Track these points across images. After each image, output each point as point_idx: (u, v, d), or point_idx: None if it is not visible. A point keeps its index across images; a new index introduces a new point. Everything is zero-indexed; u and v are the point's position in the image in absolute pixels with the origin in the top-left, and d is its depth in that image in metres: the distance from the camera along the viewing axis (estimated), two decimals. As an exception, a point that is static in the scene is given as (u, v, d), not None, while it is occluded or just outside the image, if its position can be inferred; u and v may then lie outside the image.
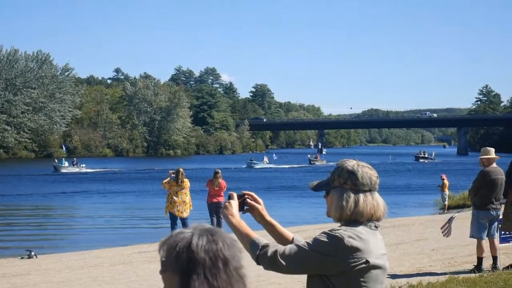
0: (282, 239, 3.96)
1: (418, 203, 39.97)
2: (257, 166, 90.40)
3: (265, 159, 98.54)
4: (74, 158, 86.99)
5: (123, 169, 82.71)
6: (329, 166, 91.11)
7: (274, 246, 3.67)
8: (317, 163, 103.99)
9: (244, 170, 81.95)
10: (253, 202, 4.02)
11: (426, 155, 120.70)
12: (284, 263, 3.59)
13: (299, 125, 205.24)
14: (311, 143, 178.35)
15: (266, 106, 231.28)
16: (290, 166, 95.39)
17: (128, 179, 65.29)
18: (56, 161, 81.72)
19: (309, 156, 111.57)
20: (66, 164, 79.78)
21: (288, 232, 4.03)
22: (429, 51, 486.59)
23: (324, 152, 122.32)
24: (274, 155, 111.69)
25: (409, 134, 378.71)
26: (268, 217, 4.04)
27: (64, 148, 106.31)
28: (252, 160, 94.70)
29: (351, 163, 3.79)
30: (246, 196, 4.03)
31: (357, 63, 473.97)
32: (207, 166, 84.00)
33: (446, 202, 32.54)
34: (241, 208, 3.99)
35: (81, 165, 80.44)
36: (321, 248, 3.56)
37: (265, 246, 3.66)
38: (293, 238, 3.94)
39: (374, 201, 3.72)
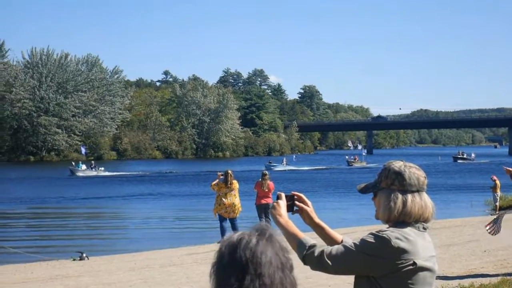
0: (331, 241, 3.95)
1: (468, 203, 39.54)
2: (276, 169, 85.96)
3: (285, 161, 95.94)
4: (92, 161, 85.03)
5: (146, 171, 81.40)
6: (368, 168, 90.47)
7: (321, 246, 3.67)
8: (355, 164, 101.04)
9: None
10: (301, 204, 4.02)
11: (464, 156, 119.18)
12: (330, 263, 3.59)
13: (348, 126, 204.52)
14: (349, 144, 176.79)
15: (314, 107, 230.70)
16: (310, 168, 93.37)
17: (150, 181, 65.72)
18: (74, 164, 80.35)
19: (346, 157, 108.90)
20: (84, 167, 78.30)
21: (337, 234, 4.03)
22: (479, 50, 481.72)
23: (363, 153, 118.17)
24: (294, 157, 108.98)
25: (459, 134, 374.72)
26: (316, 219, 4.03)
27: (83, 150, 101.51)
28: (270, 163, 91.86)
29: (398, 164, 3.77)
30: (296, 198, 4.03)
31: (406, 63, 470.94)
32: (246, 168, 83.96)
33: (498, 203, 32.19)
34: (290, 209, 3.99)
35: (100, 168, 78.78)
36: (367, 249, 3.55)
37: (312, 246, 3.66)
38: (342, 240, 3.93)
39: (422, 202, 3.69)
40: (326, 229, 4.03)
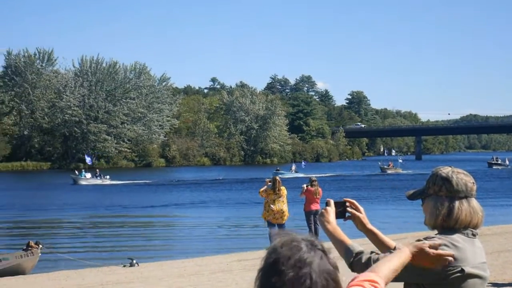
0: (384, 248, 3.94)
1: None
2: (284, 176, 79.36)
3: (293, 167, 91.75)
4: (97, 170, 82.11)
5: (155, 181, 78.27)
6: (401, 175, 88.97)
7: (368, 252, 3.68)
8: (389, 171, 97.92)
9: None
10: (354, 211, 4.04)
11: (499, 162, 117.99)
12: None
13: (396, 131, 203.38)
14: (381, 149, 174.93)
15: (362, 113, 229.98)
16: (321, 175, 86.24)
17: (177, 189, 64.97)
18: (77, 172, 77.88)
19: (379, 163, 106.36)
20: (88, 176, 76.29)
21: (390, 240, 4.02)
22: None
23: (399, 160, 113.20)
24: (303, 163, 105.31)
25: (510, 139, 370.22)
26: (369, 225, 4.03)
27: (89, 159, 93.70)
28: (278, 170, 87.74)
29: (445, 170, 3.76)
30: (348, 204, 4.05)
31: (455, 68, 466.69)
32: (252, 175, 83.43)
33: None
34: (342, 216, 4.00)
35: (105, 177, 76.74)
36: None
37: (360, 253, 3.67)
38: (395, 247, 3.88)
39: (471, 208, 3.68)
40: (379, 235, 4.03)
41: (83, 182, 73.58)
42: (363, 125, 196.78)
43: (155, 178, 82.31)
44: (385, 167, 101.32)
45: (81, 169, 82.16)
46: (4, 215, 40.69)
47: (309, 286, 2.37)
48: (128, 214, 41.79)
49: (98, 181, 74.70)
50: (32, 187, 68.16)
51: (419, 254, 3.45)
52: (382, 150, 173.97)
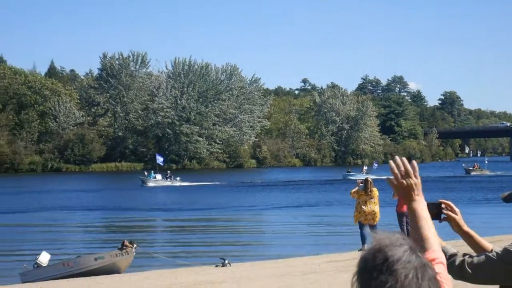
0: (480, 249, 3.86)
1: None
2: (354, 178, 73.76)
3: (364, 169, 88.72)
4: (168, 172, 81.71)
5: (227, 182, 76.94)
6: (487, 176, 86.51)
7: (462, 255, 3.64)
8: (473, 172, 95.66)
9: (340, 182, 74.13)
10: (450, 212, 3.99)
11: None
12: (470, 271, 3.55)
13: (490, 132, 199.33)
14: (467, 151, 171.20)
15: (455, 114, 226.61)
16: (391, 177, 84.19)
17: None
18: (145, 173, 77.97)
19: (464, 165, 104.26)
20: (158, 177, 76.16)
21: (486, 242, 3.93)
22: None
23: (486, 161, 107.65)
24: (375, 164, 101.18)
25: None
26: (465, 227, 3.96)
27: (162, 160, 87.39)
28: (349, 172, 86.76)
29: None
30: (443, 205, 4.00)
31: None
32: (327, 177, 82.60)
33: None
34: (437, 217, 3.96)
35: (176, 178, 75.74)
36: (510, 259, 3.50)
37: (453, 255, 3.64)
38: (492, 249, 3.83)
39: None
40: (475, 237, 3.94)
41: (150, 184, 73.69)
42: (508, 124, 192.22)
43: (241, 179, 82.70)
44: (470, 168, 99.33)
45: (151, 170, 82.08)
46: (88, 216, 41.85)
47: (418, 285, 2.39)
48: (212, 215, 42.01)
49: (167, 183, 74.52)
50: (105, 188, 69.57)
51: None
52: (467, 151, 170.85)
